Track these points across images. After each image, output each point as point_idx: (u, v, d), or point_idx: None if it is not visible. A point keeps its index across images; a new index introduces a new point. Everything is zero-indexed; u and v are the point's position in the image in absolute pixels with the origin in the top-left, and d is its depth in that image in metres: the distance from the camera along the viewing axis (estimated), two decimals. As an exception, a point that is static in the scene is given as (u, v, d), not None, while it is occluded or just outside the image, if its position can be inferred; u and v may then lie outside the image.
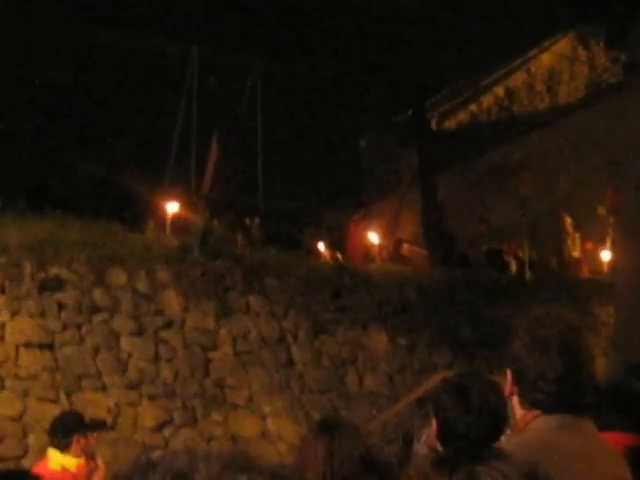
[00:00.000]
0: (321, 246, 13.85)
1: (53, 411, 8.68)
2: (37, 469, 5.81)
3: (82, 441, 5.96)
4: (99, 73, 15.82)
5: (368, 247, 14.45)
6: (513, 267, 14.49)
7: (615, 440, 3.27)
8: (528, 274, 14.26)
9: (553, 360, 2.46)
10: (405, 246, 15.09)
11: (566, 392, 2.45)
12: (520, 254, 14.75)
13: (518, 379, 2.51)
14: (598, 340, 12.34)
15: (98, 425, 6.57)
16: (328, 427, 3.71)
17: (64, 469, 5.85)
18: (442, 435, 3.34)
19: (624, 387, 3.66)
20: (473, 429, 3.02)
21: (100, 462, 6.17)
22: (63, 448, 5.90)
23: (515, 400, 2.53)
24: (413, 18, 15.90)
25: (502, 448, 1.57)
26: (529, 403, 2.47)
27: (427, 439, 3.66)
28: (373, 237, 14.36)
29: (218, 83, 13.83)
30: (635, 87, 11.98)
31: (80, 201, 13.36)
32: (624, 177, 12.04)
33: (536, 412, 2.47)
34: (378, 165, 19.08)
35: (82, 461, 5.95)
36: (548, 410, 2.45)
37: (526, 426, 2.47)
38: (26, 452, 9.59)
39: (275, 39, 15.22)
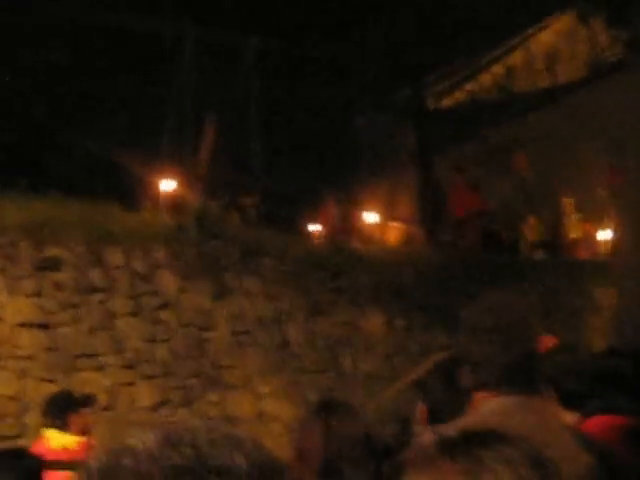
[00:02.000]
0: (311, 227, 13.81)
1: (50, 391, 8.68)
2: (36, 449, 5.82)
3: (80, 419, 5.99)
4: (95, 54, 15.75)
5: (347, 226, 14.41)
6: (510, 248, 14.46)
7: (611, 422, 3.27)
8: (527, 255, 14.25)
9: (502, 345, 2.48)
10: (393, 224, 15.05)
11: (514, 374, 2.47)
12: (518, 235, 14.74)
13: (472, 364, 2.51)
14: (598, 322, 12.35)
15: (89, 401, 6.59)
16: (326, 408, 3.71)
17: (64, 448, 5.87)
18: (430, 417, 3.34)
19: (624, 368, 3.67)
20: (460, 412, 3.03)
21: (94, 441, 6.19)
22: (63, 428, 5.92)
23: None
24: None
25: (507, 432, 1.55)
26: (480, 384, 2.48)
27: (417, 421, 3.68)
28: (369, 216, 14.32)
29: (214, 62, 13.78)
30: (636, 65, 11.92)
31: (77, 181, 13.34)
32: (625, 157, 12.01)
33: (486, 394, 2.47)
34: (375, 144, 19.02)
35: (82, 438, 5.97)
36: (498, 390, 2.46)
37: (478, 407, 2.47)
38: (24, 431, 9.62)
39: (271, 17, 15.16)
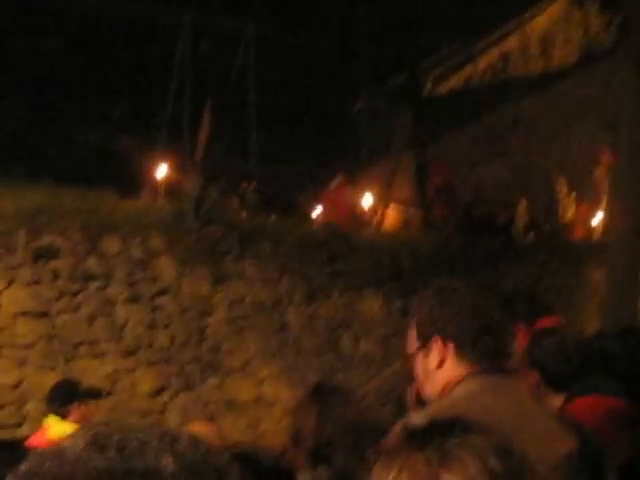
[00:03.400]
0: (316, 211, 13.80)
1: (50, 379, 8.72)
2: (35, 438, 5.87)
3: (82, 409, 6.01)
4: (91, 40, 15.72)
5: (353, 210, 14.41)
6: (504, 230, 14.49)
7: (596, 403, 3.31)
8: (522, 237, 14.28)
9: (472, 308, 2.52)
10: (393, 206, 15.07)
11: (485, 341, 2.50)
12: (513, 217, 14.76)
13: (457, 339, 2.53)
14: (591, 302, 12.40)
15: (95, 393, 6.62)
16: (321, 391, 3.76)
17: (63, 437, 5.89)
18: (419, 399, 3.38)
19: (610, 350, 3.70)
20: None
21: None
22: (63, 416, 5.94)
23: (449, 364, 2.54)
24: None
25: (474, 420, 1.56)
26: (476, 356, 2.50)
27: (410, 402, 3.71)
28: (367, 200, 14.32)
29: (211, 48, 13.76)
30: (629, 49, 11.95)
31: (74, 169, 13.32)
32: (618, 139, 12.05)
33: (463, 373, 2.49)
34: (373, 129, 19.02)
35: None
36: (469, 361, 2.48)
37: (450, 392, 2.49)
38: (24, 420, 9.67)
39: (268, 3, 15.12)
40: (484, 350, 2.51)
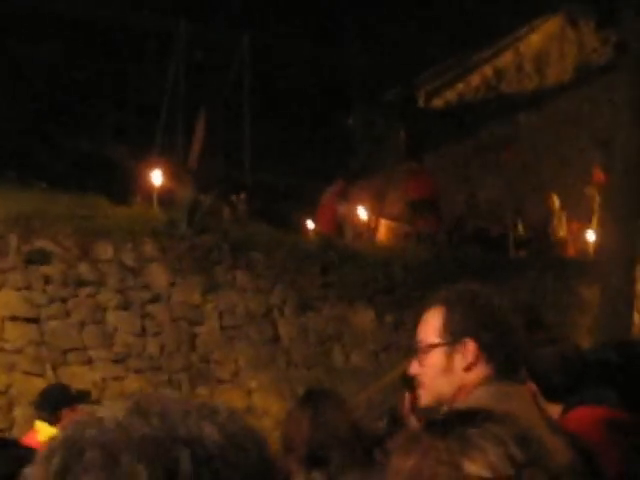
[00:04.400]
0: (309, 223, 13.80)
1: (39, 385, 8.68)
2: (27, 439, 5.82)
3: (70, 414, 5.98)
4: (86, 48, 15.73)
5: (345, 222, 14.41)
6: (498, 245, 14.52)
7: (595, 414, 3.30)
8: (514, 253, 14.31)
9: (509, 328, 2.53)
10: (384, 222, 15.07)
11: (511, 359, 2.52)
12: (506, 232, 14.80)
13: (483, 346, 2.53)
14: (583, 319, 12.42)
15: (84, 396, 6.59)
16: (313, 398, 3.74)
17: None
18: (413, 408, 3.37)
19: (604, 361, 3.69)
20: None
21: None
22: (52, 422, 5.91)
23: (476, 369, 2.53)
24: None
25: (494, 411, 1.56)
26: (500, 365, 2.50)
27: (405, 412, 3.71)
28: (360, 213, 14.34)
29: (206, 57, 13.79)
30: (624, 68, 12.00)
31: (66, 174, 13.31)
32: (611, 158, 12.09)
33: (481, 379, 2.48)
34: (367, 142, 19.06)
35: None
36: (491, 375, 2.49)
37: (467, 396, 2.48)
38: (12, 425, 9.61)
39: (263, 14, 15.17)
40: (508, 360, 2.52)
